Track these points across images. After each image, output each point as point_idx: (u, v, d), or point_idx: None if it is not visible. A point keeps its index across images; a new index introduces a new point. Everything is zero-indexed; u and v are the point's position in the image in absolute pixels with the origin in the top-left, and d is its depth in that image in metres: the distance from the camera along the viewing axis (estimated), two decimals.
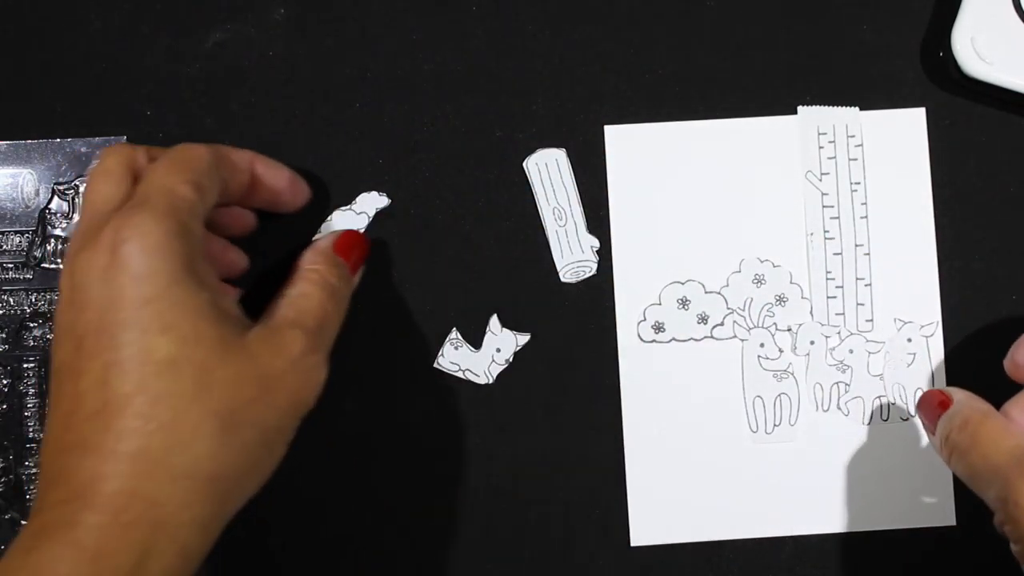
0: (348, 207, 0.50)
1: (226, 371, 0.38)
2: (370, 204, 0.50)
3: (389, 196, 0.51)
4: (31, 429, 0.50)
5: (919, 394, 0.50)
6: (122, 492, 0.36)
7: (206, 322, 0.38)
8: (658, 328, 0.50)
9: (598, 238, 0.50)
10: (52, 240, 0.50)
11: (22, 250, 0.50)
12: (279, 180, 0.47)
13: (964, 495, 0.50)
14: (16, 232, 0.50)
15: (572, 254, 0.50)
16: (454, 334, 0.50)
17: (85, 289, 0.38)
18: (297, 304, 0.43)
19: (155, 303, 0.38)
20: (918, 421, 0.50)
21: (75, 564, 0.35)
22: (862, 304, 0.50)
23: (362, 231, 0.48)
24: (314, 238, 0.49)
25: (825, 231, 0.50)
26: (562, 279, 0.50)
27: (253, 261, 0.49)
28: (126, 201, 0.40)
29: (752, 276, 0.50)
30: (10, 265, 0.50)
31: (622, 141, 0.51)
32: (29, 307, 0.50)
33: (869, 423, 0.50)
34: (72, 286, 0.39)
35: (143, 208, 0.39)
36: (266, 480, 0.41)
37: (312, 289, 0.44)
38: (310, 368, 0.42)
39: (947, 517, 0.50)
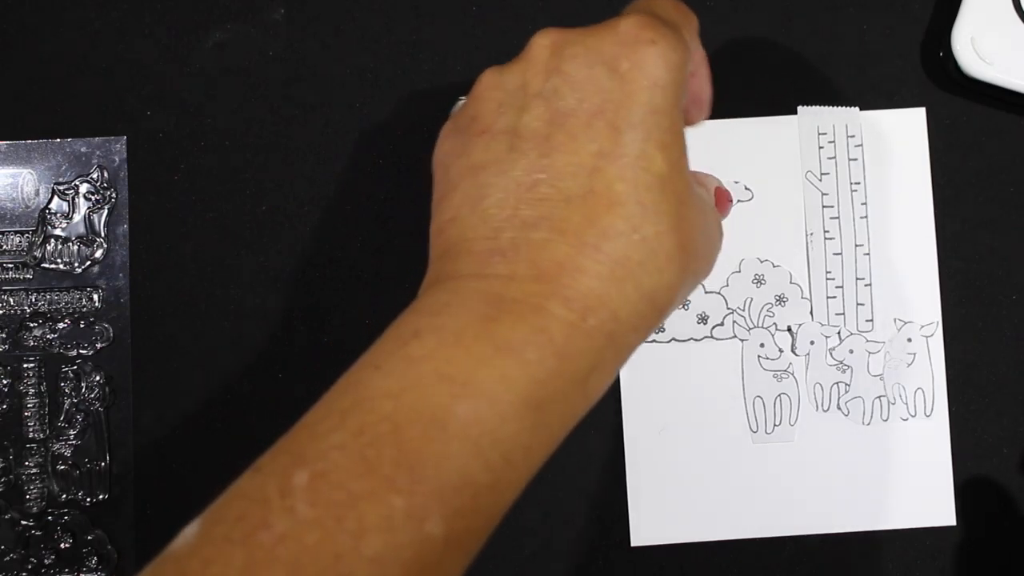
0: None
1: (693, 212, 0.36)
2: None
3: (389, 196, 0.51)
4: (31, 429, 0.50)
5: (919, 394, 0.50)
6: (594, 294, 0.33)
7: (685, 158, 0.36)
8: (658, 328, 0.50)
9: None
10: (52, 240, 0.50)
11: (22, 250, 0.50)
12: (708, 89, 0.43)
13: (964, 495, 0.50)
14: (16, 232, 0.50)
15: None
16: None
17: (587, 67, 0.35)
18: (710, 194, 0.41)
19: (662, 116, 0.35)
20: (918, 421, 0.50)
21: (542, 355, 0.32)
22: (862, 304, 0.50)
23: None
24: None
25: (825, 231, 0.50)
26: None
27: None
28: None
29: (752, 276, 0.50)
30: (10, 265, 0.50)
31: None
32: (29, 307, 0.50)
33: (869, 423, 0.50)
34: (564, 54, 0.36)
35: (665, 23, 0.36)
36: None
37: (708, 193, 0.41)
38: (720, 246, 0.39)
39: (947, 517, 0.50)
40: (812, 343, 0.50)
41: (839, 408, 0.50)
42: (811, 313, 0.50)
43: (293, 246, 0.50)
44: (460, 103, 0.38)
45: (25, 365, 0.50)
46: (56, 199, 0.50)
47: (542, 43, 0.37)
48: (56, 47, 0.51)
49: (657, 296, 0.34)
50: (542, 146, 0.35)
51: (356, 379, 0.33)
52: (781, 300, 0.50)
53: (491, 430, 0.32)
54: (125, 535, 0.50)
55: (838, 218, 0.50)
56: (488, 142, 0.36)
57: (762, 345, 0.50)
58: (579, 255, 0.33)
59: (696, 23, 0.40)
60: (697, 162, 0.51)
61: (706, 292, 0.50)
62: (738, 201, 0.51)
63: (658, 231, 0.34)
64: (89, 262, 0.50)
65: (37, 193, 0.50)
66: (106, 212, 0.50)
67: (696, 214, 0.36)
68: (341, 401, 0.32)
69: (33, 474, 0.50)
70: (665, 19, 0.37)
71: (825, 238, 0.50)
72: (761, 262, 0.50)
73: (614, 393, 0.50)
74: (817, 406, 0.50)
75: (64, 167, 0.51)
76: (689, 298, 0.50)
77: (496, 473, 0.32)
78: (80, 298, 0.50)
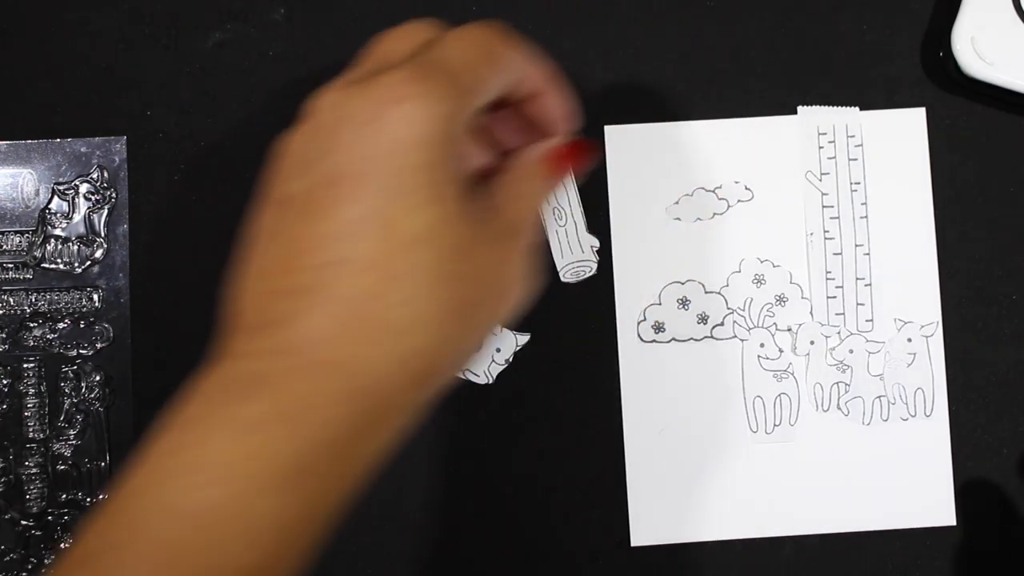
0: None
1: (466, 266, 0.36)
2: None
3: None
4: (31, 429, 0.50)
5: (919, 394, 0.50)
6: (347, 359, 0.34)
7: (456, 207, 0.36)
8: (658, 328, 0.50)
9: (598, 238, 0.50)
10: (52, 240, 0.50)
11: (22, 250, 0.50)
12: (558, 108, 0.42)
13: (964, 495, 0.50)
14: (16, 232, 0.50)
15: (572, 254, 0.50)
16: None
17: (342, 130, 0.35)
18: (519, 206, 0.40)
19: (420, 174, 0.35)
20: (918, 421, 0.50)
21: (288, 429, 0.33)
22: (862, 304, 0.50)
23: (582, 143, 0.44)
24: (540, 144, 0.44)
25: (825, 231, 0.50)
26: (562, 279, 0.50)
27: None
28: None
29: (752, 276, 0.50)
30: (10, 265, 0.50)
31: (622, 141, 0.51)
32: (29, 307, 0.50)
33: (869, 423, 0.50)
34: (340, 116, 0.36)
35: (441, 71, 0.36)
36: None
37: (533, 193, 0.41)
38: (527, 277, 0.39)
39: (947, 517, 0.50)
40: (812, 343, 0.50)
41: (839, 408, 0.50)
42: (811, 313, 0.50)
43: None
44: None
45: (25, 365, 0.50)
46: (56, 199, 0.50)
47: (320, 106, 0.37)
48: (56, 47, 0.51)
49: (413, 360, 0.35)
50: (308, 212, 0.35)
51: (117, 482, 0.33)
52: (781, 300, 0.50)
53: (241, 513, 0.32)
54: None
55: (838, 218, 0.50)
56: (265, 210, 0.36)
57: (762, 345, 0.50)
58: (328, 322, 0.34)
59: (508, 54, 0.39)
60: (697, 162, 0.51)
61: (706, 292, 0.50)
62: (738, 201, 0.51)
63: (408, 295, 0.35)
64: (89, 262, 0.50)
65: (37, 193, 0.50)
66: (106, 212, 0.50)
67: (475, 264, 0.36)
68: (106, 513, 0.33)
69: (33, 474, 0.50)
70: (448, 63, 0.37)
71: (825, 238, 0.50)
72: (761, 262, 0.50)
73: (614, 393, 0.50)
74: (817, 406, 0.50)
75: (64, 167, 0.51)
76: (689, 298, 0.50)
77: (258, 553, 0.33)
78: (80, 298, 0.50)
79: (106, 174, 0.51)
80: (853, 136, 0.51)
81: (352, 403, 0.34)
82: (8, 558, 0.49)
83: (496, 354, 0.50)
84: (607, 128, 0.51)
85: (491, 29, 0.39)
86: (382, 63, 0.38)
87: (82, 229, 0.50)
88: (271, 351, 0.34)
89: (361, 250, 0.34)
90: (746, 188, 0.51)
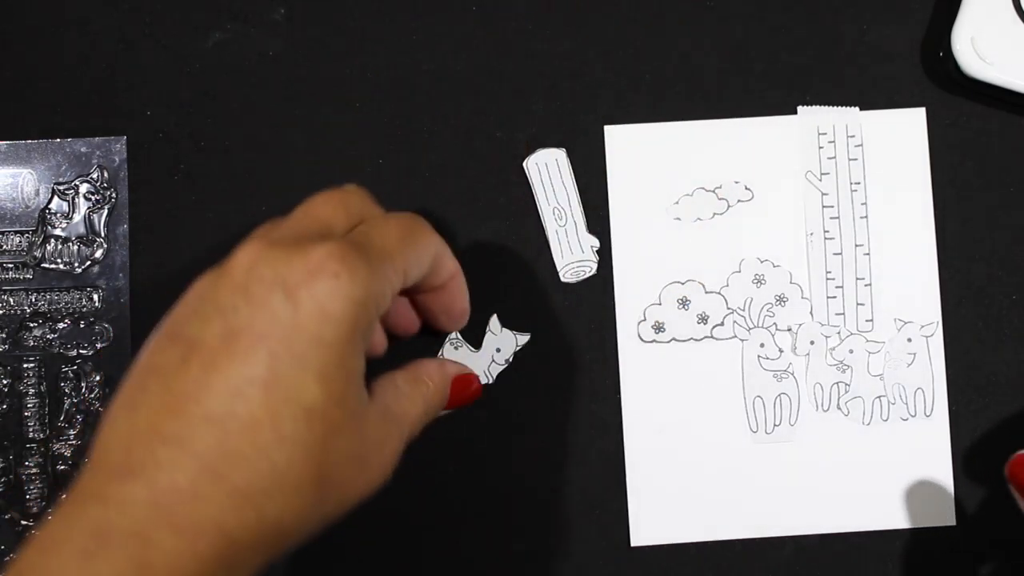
0: None
1: (346, 442, 0.37)
2: None
3: (389, 196, 0.51)
4: (31, 429, 0.50)
5: (919, 394, 0.50)
6: (208, 521, 0.34)
7: (353, 388, 0.37)
8: (658, 328, 0.50)
9: (598, 238, 0.50)
10: (52, 240, 0.50)
11: (22, 250, 0.50)
12: (458, 302, 0.45)
13: (964, 495, 0.50)
14: (16, 232, 0.50)
15: (572, 254, 0.50)
16: (454, 334, 0.50)
17: (269, 289, 0.36)
18: (405, 404, 0.42)
19: (327, 349, 0.36)
20: (919, 421, 0.50)
21: None
22: (862, 304, 0.50)
23: (479, 383, 0.47)
24: (442, 353, 0.50)
25: (825, 231, 0.50)
26: (562, 279, 0.50)
27: None
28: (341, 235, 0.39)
29: (752, 276, 0.50)
30: (10, 265, 0.50)
31: (622, 141, 0.51)
32: (29, 307, 0.50)
33: (869, 423, 0.50)
34: (255, 272, 0.36)
35: (366, 254, 0.37)
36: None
37: (420, 398, 0.43)
38: (393, 464, 0.40)
39: (947, 517, 0.50)
40: (812, 343, 0.50)
41: (839, 408, 0.50)
42: (811, 313, 0.50)
43: None
44: None
45: (25, 365, 0.50)
46: (56, 199, 0.50)
47: (240, 258, 0.37)
48: (56, 47, 0.51)
49: (283, 523, 0.35)
50: (207, 362, 0.35)
51: None
52: (781, 300, 0.50)
53: None
54: None
55: (838, 218, 0.50)
56: (166, 346, 0.36)
57: (762, 345, 0.50)
58: (200, 478, 0.34)
59: (428, 241, 0.41)
60: (697, 162, 0.51)
61: (706, 292, 0.50)
62: (738, 201, 0.51)
63: (290, 460, 0.35)
64: (89, 262, 0.50)
65: (37, 193, 0.50)
66: (106, 212, 0.50)
67: (355, 443, 0.37)
68: None
69: (33, 474, 0.50)
70: (374, 247, 0.38)
71: (825, 238, 0.50)
72: (761, 262, 0.50)
73: (614, 393, 0.50)
74: (817, 406, 0.50)
75: (64, 167, 0.51)
76: (689, 298, 0.50)
77: None
78: (80, 298, 0.50)
79: (106, 174, 0.51)
80: (853, 136, 0.51)
81: (216, 562, 0.34)
82: (8, 558, 0.49)
83: (496, 354, 0.50)
84: (607, 128, 0.51)
85: (415, 217, 0.41)
86: (309, 228, 0.38)
87: (82, 229, 0.50)
88: (128, 501, 0.34)
89: (242, 409, 0.35)
90: (746, 188, 0.51)
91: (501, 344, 0.50)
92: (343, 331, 0.36)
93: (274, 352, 0.35)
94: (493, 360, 0.50)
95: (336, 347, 0.36)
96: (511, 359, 0.50)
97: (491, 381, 0.50)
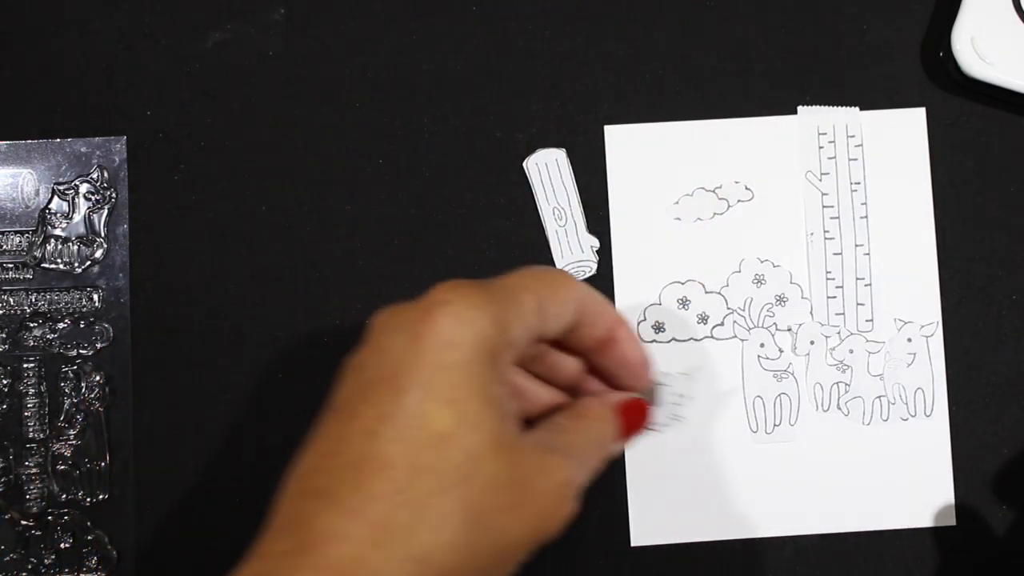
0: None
1: (492, 467, 0.36)
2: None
3: (389, 196, 0.51)
4: (31, 429, 0.50)
5: (919, 394, 0.50)
6: (353, 559, 0.34)
7: (490, 411, 0.36)
8: (658, 328, 0.50)
9: (598, 238, 0.50)
10: (52, 240, 0.50)
11: (22, 250, 0.50)
12: (631, 352, 0.44)
13: (964, 495, 0.50)
14: (16, 232, 0.50)
15: (572, 254, 0.50)
16: None
17: (392, 335, 0.37)
18: (568, 436, 0.41)
19: (450, 373, 0.36)
20: (919, 421, 0.50)
21: None
22: (862, 304, 0.50)
23: (650, 406, 0.45)
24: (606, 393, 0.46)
25: (825, 231, 0.50)
26: None
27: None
28: None
29: (752, 276, 0.50)
30: (10, 265, 0.50)
31: (622, 141, 0.51)
32: (29, 307, 0.50)
33: (869, 423, 0.50)
34: (382, 325, 0.38)
35: (482, 285, 0.38)
36: None
37: (586, 430, 0.42)
38: (565, 498, 0.39)
39: (947, 517, 0.50)
40: (812, 343, 0.50)
41: (839, 408, 0.50)
42: (811, 313, 0.50)
43: (293, 246, 0.50)
44: None
45: (25, 365, 0.50)
46: (56, 199, 0.50)
47: (373, 323, 0.38)
48: (56, 47, 0.51)
49: (434, 557, 0.35)
50: (343, 416, 0.36)
51: None
52: (781, 300, 0.50)
53: None
54: (125, 535, 0.50)
55: (838, 218, 0.50)
56: (320, 419, 0.38)
57: (762, 345, 0.50)
58: (340, 520, 0.34)
59: (568, 286, 0.40)
60: (697, 162, 0.51)
61: (706, 292, 0.50)
62: (738, 201, 0.51)
63: (431, 490, 0.35)
64: (89, 262, 0.50)
65: (37, 193, 0.50)
66: (106, 212, 0.50)
67: (504, 467, 0.36)
68: None
69: (33, 474, 0.50)
70: (494, 283, 0.38)
71: (825, 238, 0.50)
72: (761, 262, 0.50)
73: None
74: (817, 406, 0.50)
75: (64, 167, 0.51)
76: (689, 298, 0.50)
77: None
78: (80, 298, 0.50)
79: (106, 174, 0.51)
80: (853, 136, 0.51)
81: None
82: (8, 558, 0.49)
83: None
84: (607, 128, 0.51)
85: (550, 268, 0.42)
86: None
87: (82, 229, 0.50)
88: (288, 552, 0.34)
89: (374, 449, 0.35)
90: (746, 188, 0.51)
91: None
92: (464, 355, 0.36)
93: (400, 388, 0.36)
94: None
95: (460, 370, 0.36)
96: None
97: None
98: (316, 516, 0.35)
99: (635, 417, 0.44)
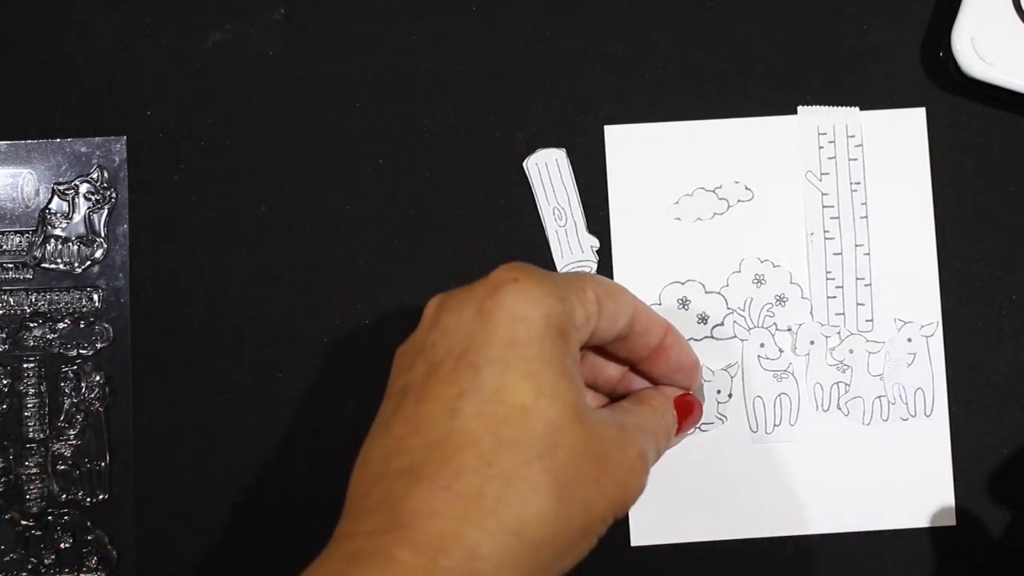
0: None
1: (573, 438, 0.36)
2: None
3: (389, 196, 0.51)
4: (31, 429, 0.50)
5: (919, 394, 0.50)
6: (447, 534, 0.34)
7: (566, 384, 0.37)
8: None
9: (598, 238, 0.50)
10: (52, 240, 0.50)
11: (22, 250, 0.50)
12: (685, 355, 0.44)
13: (964, 495, 0.50)
14: (16, 232, 0.50)
15: (572, 254, 0.50)
16: None
17: (457, 315, 0.37)
18: (637, 418, 0.41)
19: (523, 347, 0.36)
20: (919, 421, 0.50)
21: None
22: (862, 304, 0.50)
23: (701, 403, 0.46)
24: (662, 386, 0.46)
25: (825, 231, 0.50)
26: None
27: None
28: None
29: (752, 276, 0.50)
30: (10, 265, 0.50)
31: (622, 141, 0.51)
32: (29, 307, 0.50)
33: (869, 423, 0.50)
34: (442, 307, 0.38)
35: (539, 269, 0.38)
36: (563, 572, 0.37)
37: (653, 415, 0.42)
38: (639, 473, 0.39)
39: (947, 517, 0.50)
40: (812, 343, 0.50)
41: (839, 408, 0.50)
42: (811, 313, 0.50)
43: (293, 246, 0.50)
44: None
45: (25, 365, 0.50)
46: (56, 199, 0.50)
47: (429, 305, 0.39)
48: (56, 47, 0.51)
49: (526, 529, 0.35)
50: (418, 398, 0.36)
51: None
52: (781, 300, 0.50)
53: None
54: (125, 535, 0.50)
55: (838, 218, 0.50)
56: (384, 406, 0.38)
57: (762, 345, 0.50)
58: (431, 498, 0.34)
59: (622, 293, 0.41)
60: (697, 162, 0.51)
61: (706, 292, 0.50)
62: (738, 201, 0.51)
63: (518, 462, 0.35)
64: (89, 262, 0.50)
65: (37, 193, 0.50)
66: (106, 212, 0.50)
67: (583, 439, 0.37)
68: None
69: (33, 474, 0.50)
70: (557, 276, 0.39)
71: (825, 238, 0.50)
72: (761, 262, 0.50)
73: None
74: (817, 406, 0.50)
75: (64, 167, 0.51)
76: (689, 298, 0.50)
77: None
78: (80, 298, 0.50)
79: (106, 174, 0.51)
80: (853, 136, 0.51)
81: None
82: (8, 558, 0.49)
83: None
84: (607, 128, 0.51)
85: (608, 279, 0.42)
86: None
87: (82, 229, 0.50)
88: (378, 530, 0.34)
89: (458, 425, 0.35)
90: (746, 188, 0.51)
91: None
92: (535, 330, 0.36)
93: (474, 364, 0.36)
94: None
95: (533, 344, 0.36)
96: None
97: None
98: (406, 495, 0.35)
99: (690, 412, 0.45)
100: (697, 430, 0.50)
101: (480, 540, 0.34)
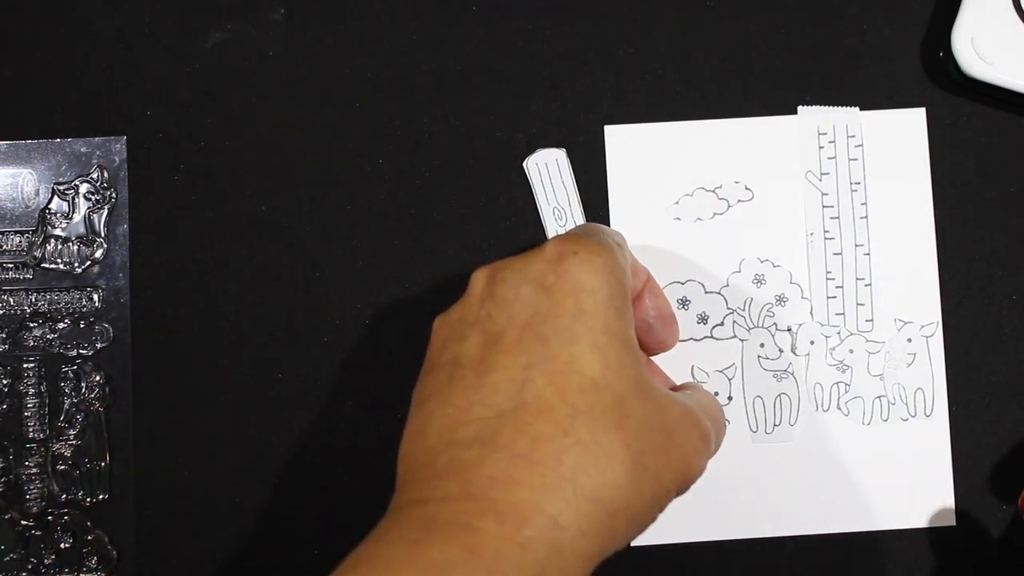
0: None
1: (642, 410, 0.36)
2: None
3: (389, 196, 0.51)
4: (31, 429, 0.50)
5: (919, 394, 0.50)
6: (528, 504, 0.34)
7: (630, 357, 0.37)
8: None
9: None
10: (52, 240, 0.50)
11: (22, 250, 0.50)
12: (664, 304, 0.45)
13: (964, 495, 0.50)
14: (16, 232, 0.50)
15: None
16: None
17: (516, 287, 0.37)
18: (701, 402, 0.41)
19: (590, 319, 0.36)
20: (919, 421, 0.50)
21: (473, 573, 0.33)
22: (862, 304, 0.50)
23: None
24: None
25: (825, 231, 0.50)
26: None
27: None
28: None
29: (752, 276, 0.50)
30: (10, 265, 0.50)
31: (622, 141, 0.51)
32: (29, 307, 0.50)
33: (869, 423, 0.50)
34: (495, 279, 0.38)
35: (594, 233, 0.39)
36: (629, 543, 0.37)
37: (712, 402, 0.42)
38: (701, 452, 0.39)
39: (947, 517, 0.50)
40: (812, 343, 0.50)
41: (839, 408, 0.50)
42: (811, 313, 0.50)
43: (293, 246, 0.50)
44: None
45: (25, 365, 0.50)
46: (56, 199, 0.50)
47: (477, 277, 0.39)
48: (56, 47, 0.51)
49: (603, 496, 0.35)
50: (478, 369, 0.36)
51: None
52: (781, 300, 0.50)
53: None
54: (125, 535, 0.50)
55: (838, 218, 0.50)
56: (434, 376, 0.38)
57: (762, 345, 0.50)
58: (510, 467, 0.34)
59: (625, 247, 0.41)
60: (697, 162, 0.51)
61: (706, 292, 0.50)
62: (738, 201, 0.51)
63: (593, 431, 0.35)
64: (89, 262, 0.50)
65: (37, 193, 0.50)
66: (106, 212, 0.50)
67: (650, 411, 0.37)
68: None
69: (33, 474, 0.50)
70: (591, 232, 0.39)
71: (825, 238, 0.50)
72: (761, 262, 0.50)
73: None
74: (817, 406, 0.50)
75: (64, 167, 0.51)
76: (689, 298, 0.50)
77: None
78: (80, 298, 0.50)
79: (106, 174, 0.51)
80: (853, 136, 0.51)
81: (542, 547, 0.34)
82: (8, 558, 0.49)
83: None
84: (607, 128, 0.51)
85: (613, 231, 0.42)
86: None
87: (82, 229, 0.50)
88: (452, 497, 0.34)
89: (530, 395, 0.35)
90: (746, 188, 0.51)
91: None
92: (601, 300, 0.37)
93: (542, 335, 0.36)
94: None
95: (599, 316, 0.37)
96: None
97: None
98: (480, 464, 0.34)
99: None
100: None
101: (560, 509, 0.34)
